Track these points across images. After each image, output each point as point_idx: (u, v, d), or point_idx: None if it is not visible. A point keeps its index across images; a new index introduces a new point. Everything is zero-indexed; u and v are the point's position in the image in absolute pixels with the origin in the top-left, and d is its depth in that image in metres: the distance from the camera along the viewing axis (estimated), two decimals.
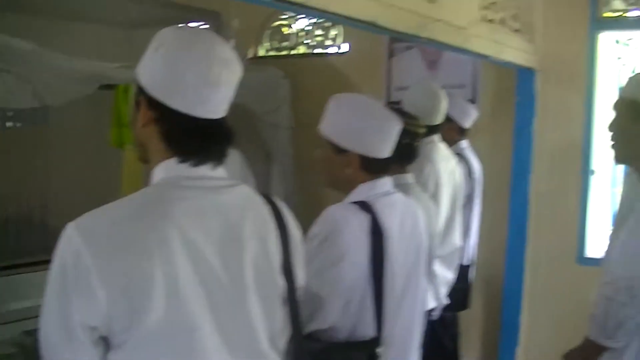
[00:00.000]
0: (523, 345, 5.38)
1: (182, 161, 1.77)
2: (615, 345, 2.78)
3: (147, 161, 1.86)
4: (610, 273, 2.78)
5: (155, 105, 1.77)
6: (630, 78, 3.01)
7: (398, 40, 5.85)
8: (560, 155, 5.21)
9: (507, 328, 5.40)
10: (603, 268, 2.88)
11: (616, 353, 2.80)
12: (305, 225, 2.46)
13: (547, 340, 5.11)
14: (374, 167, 2.60)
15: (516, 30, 4.76)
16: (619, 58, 5.18)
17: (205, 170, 1.80)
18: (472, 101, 5.44)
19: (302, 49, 6.70)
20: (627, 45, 5.18)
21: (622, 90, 2.98)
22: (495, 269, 5.41)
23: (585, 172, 5.16)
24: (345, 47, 6.42)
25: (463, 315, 4.90)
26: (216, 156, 1.82)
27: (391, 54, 6.12)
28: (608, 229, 4.38)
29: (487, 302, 5.60)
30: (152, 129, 1.79)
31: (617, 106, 2.94)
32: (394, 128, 2.61)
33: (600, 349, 2.82)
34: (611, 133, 2.95)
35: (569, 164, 5.19)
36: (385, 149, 2.59)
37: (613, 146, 2.95)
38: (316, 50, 6.62)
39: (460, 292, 4.50)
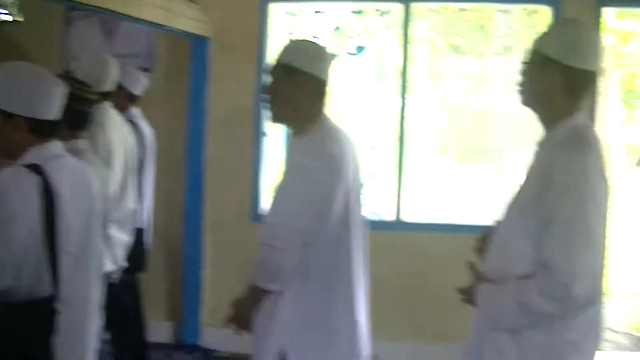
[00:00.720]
0: (206, 304, 5.59)
1: None
2: (275, 288, 3.02)
3: None
4: (268, 222, 3.02)
5: None
6: (286, 44, 3.25)
7: (75, 9, 5.77)
8: (233, 120, 5.47)
9: (189, 287, 5.61)
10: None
11: (277, 296, 3.05)
12: None
13: (231, 296, 5.31)
14: (42, 130, 2.63)
15: (190, 0, 4.89)
16: (288, 28, 5.51)
17: None
18: (148, 69, 5.53)
19: None
20: (296, 16, 5.52)
21: (278, 56, 3.21)
22: (175, 230, 5.60)
23: (257, 135, 5.45)
24: (19, 15, 6.18)
25: (146, 277, 5.00)
26: None
27: (68, 23, 6.03)
28: None
29: (169, 263, 5.76)
30: None
31: (274, 70, 3.18)
32: (57, 89, 2.65)
33: (264, 293, 3.05)
34: (268, 96, 3.18)
35: (242, 128, 5.46)
36: (50, 111, 2.63)
37: (270, 108, 3.19)
38: None
39: (137, 255, 4.60)
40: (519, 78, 2.66)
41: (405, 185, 5.42)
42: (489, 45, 5.47)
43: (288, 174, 3.01)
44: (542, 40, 2.61)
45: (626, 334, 7.55)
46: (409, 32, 5.36)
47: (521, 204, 2.57)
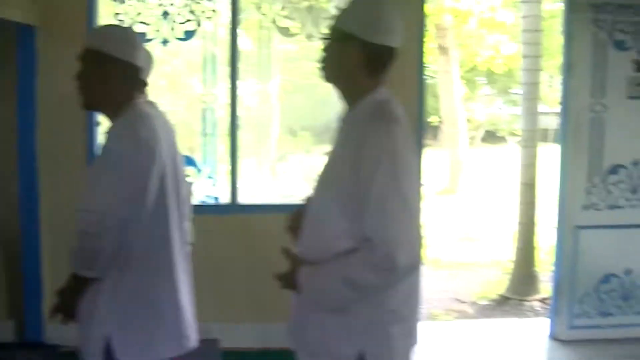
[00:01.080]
0: (48, 299, 5.45)
1: None
2: (95, 275, 2.99)
3: None
4: (81, 208, 2.98)
5: None
6: (93, 30, 3.23)
7: None
8: (65, 110, 5.32)
9: (30, 283, 5.47)
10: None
11: (98, 283, 3.02)
12: None
13: None
14: None
15: None
16: (117, 14, 5.44)
17: None
18: None
19: None
20: (124, 2, 5.44)
21: (87, 42, 3.18)
22: (12, 225, 5.45)
23: (89, 124, 5.37)
24: None
25: None
26: None
27: None
28: None
29: (7, 260, 5.61)
30: None
31: (83, 56, 3.14)
32: None
33: (85, 281, 3.02)
34: (79, 82, 3.14)
35: (74, 118, 5.33)
36: None
37: (81, 94, 3.15)
38: None
39: None
40: (320, 55, 2.72)
41: (243, 169, 5.44)
42: (318, 27, 5.52)
43: (99, 159, 2.99)
44: (342, 17, 2.67)
45: (472, 302, 7.87)
46: (238, 16, 5.40)
47: (332, 182, 2.60)
